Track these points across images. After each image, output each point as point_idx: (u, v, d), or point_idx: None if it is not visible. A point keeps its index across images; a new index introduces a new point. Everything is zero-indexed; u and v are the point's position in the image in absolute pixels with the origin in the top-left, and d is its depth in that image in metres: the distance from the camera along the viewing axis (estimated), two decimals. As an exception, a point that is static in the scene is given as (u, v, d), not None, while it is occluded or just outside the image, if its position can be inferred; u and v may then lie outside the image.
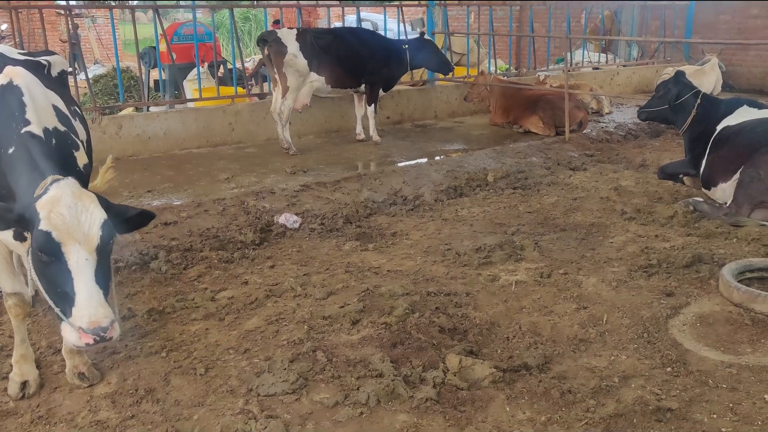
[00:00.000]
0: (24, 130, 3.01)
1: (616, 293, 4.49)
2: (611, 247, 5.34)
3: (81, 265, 2.69)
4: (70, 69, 4.38)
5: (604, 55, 14.55)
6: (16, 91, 3.12)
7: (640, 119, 7.42)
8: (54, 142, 3.13)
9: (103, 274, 2.77)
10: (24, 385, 3.43)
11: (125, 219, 2.95)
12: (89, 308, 2.68)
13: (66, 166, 3.13)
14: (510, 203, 6.63)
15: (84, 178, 3.29)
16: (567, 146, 8.74)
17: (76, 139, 3.33)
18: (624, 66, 13.74)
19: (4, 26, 17.88)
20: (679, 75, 6.82)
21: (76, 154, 3.26)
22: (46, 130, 3.10)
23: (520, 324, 4.11)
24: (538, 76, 11.40)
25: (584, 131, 9.36)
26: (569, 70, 10.96)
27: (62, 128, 3.22)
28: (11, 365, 3.51)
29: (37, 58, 3.74)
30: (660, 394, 3.33)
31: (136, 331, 4.09)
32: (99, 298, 2.71)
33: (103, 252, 2.77)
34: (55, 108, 3.29)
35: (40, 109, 3.15)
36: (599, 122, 10.25)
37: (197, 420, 3.20)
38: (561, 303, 4.39)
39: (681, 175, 6.80)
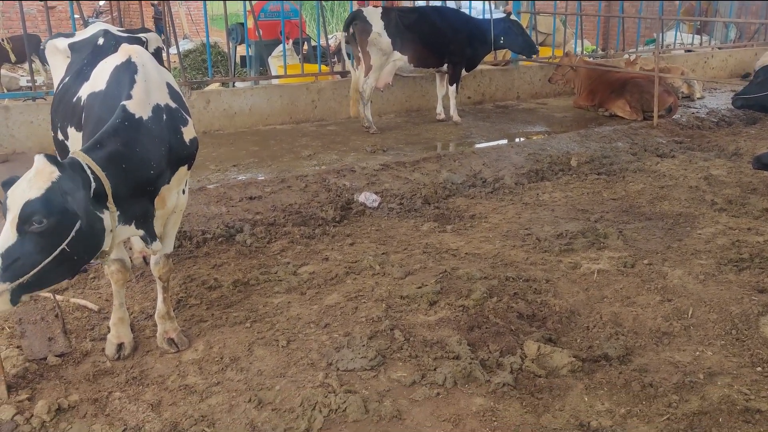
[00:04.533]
0: (123, 102, 3.14)
1: (703, 287, 4.34)
2: (699, 239, 5.15)
3: (2, 236, 2.75)
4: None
5: (699, 36, 13.87)
6: (132, 68, 3.25)
7: (735, 106, 7.02)
8: (164, 118, 3.26)
9: (20, 254, 2.71)
10: (120, 347, 3.62)
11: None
12: None
13: (172, 141, 3.28)
14: (593, 189, 6.48)
15: (190, 151, 3.43)
16: (655, 132, 8.44)
17: (186, 115, 3.45)
18: (719, 48, 13.09)
19: (102, 2, 18.62)
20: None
21: (183, 129, 3.38)
22: (156, 107, 3.24)
23: (601, 314, 4.04)
24: (628, 56, 11.01)
25: (674, 117, 9.02)
26: (660, 53, 10.53)
27: (173, 105, 3.36)
28: (108, 327, 3.72)
29: (136, 35, 3.90)
30: (749, 394, 3.21)
31: (222, 301, 4.26)
32: None
33: (24, 231, 2.71)
34: (168, 85, 3.41)
35: (153, 86, 3.27)
36: (690, 108, 9.84)
37: (279, 390, 3.31)
38: (644, 294, 4.28)
39: (779, 166, 6.45)
